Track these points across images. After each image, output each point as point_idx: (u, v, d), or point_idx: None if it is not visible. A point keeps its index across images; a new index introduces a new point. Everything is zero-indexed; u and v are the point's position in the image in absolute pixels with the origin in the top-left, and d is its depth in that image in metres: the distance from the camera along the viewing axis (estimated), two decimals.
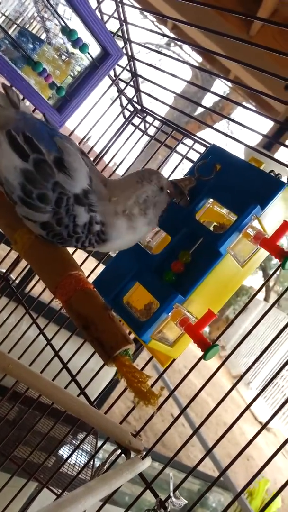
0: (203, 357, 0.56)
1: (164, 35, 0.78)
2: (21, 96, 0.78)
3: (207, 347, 0.55)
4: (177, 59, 0.84)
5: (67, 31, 0.69)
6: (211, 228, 0.64)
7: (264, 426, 0.65)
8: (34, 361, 0.80)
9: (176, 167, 0.80)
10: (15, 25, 0.68)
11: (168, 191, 0.58)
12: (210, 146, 0.65)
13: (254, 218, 0.57)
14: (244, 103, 0.81)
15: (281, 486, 0.57)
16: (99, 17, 0.75)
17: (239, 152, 0.80)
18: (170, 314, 0.58)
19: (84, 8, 0.69)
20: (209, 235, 0.58)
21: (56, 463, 1.69)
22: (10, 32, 0.67)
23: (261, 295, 7.02)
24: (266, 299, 6.93)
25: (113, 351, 0.46)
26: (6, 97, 0.57)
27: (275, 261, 0.59)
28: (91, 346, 0.86)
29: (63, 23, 0.69)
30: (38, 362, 0.81)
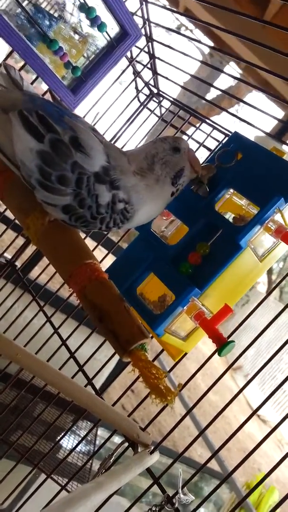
0: (218, 353, 0.54)
1: (184, 14, 0.75)
2: (24, 75, 0.76)
3: (223, 343, 0.53)
4: (196, 40, 0.81)
5: (86, 8, 0.66)
6: (230, 220, 0.62)
7: (255, 411, 0.65)
8: (40, 349, 0.78)
9: None
10: (27, 1, 0.65)
11: (188, 157, 0.56)
12: (232, 133, 0.62)
13: (277, 211, 0.55)
14: (255, 91, 0.78)
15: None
16: None
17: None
18: (185, 307, 0.56)
19: None
20: (229, 227, 0.56)
21: (55, 449, 1.69)
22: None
23: (263, 287, 7.00)
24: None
25: (129, 345, 0.44)
26: (8, 78, 0.55)
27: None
28: (96, 335, 0.86)
29: (82, 0, 0.66)
30: (44, 349, 0.79)
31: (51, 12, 0.69)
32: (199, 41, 0.82)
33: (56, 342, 0.81)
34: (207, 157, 0.76)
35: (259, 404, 0.66)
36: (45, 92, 0.71)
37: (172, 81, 0.80)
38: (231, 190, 0.60)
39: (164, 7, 0.71)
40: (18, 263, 0.99)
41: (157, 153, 0.54)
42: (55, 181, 0.47)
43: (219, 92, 0.83)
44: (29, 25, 0.65)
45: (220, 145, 0.63)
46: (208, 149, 0.78)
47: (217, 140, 0.78)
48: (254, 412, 0.64)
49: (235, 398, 0.65)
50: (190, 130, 0.82)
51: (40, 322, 0.83)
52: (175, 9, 0.72)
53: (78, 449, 1.67)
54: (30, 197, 0.53)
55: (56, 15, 0.69)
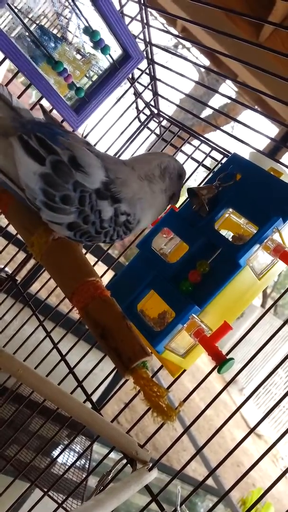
0: (218, 370, 0.55)
1: (185, 38, 0.77)
2: (25, 92, 0.77)
3: (222, 360, 0.54)
4: (197, 64, 0.83)
5: (90, 32, 0.68)
6: (229, 238, 0.63)
7: (252, 430, 0.65)
8: (40, 364, 0.78)
9: (191, 174, 0.79)
10: (31, 22, 0.67)
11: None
12: (231, 155, 0.64)
13: (275, 230, 0.56)
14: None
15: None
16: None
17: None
18: (185, 325, 0.57)
19: (108, 8, 0.67)
20: (229, 246, 0.57)
21: (52, 465, 1.67)
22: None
23: (258, 301, 7.01)
24: (263, 305, 6.92)
25: (131, 363, 0.45)
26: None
27: None
28: (94, 349, 0.86)
29: (86, 23, 0.68)
30: (42, 364, 0.79)
31: (55, 33, 0.71)
32: (201, 66, 0.84)
33: (54, 356, 0.81)
34: (206, 176, 0.77)
35: (257, 423, 0.66)
36: (51, 109, 0.72)
37: (173, 103, 0.82)
38: (230, 210, 0.61)
39: (167, 31, 0.73)
40: (18, 278, 1.00)
41: (168, 167, 0.58)
42: (59, 201, 0.49)
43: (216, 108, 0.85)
44: (35, 46, 0.67)
45: (219, 165, 0.64)
46: (207, 168, 0.80)
47: (216, 160, 0.79)
48: (251, 430, 0.64)
49: (232, 417, 0.65)
50: (187, 147, 0.84)
51: (39, 337, 0.83)
52: (176, 34, 0.74)
53: (72, 462, 1.65)
54: (34, 216, 0.55)
55: (60, 36, 0.71)
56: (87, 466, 1.61)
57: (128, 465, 0.66)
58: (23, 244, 0.89)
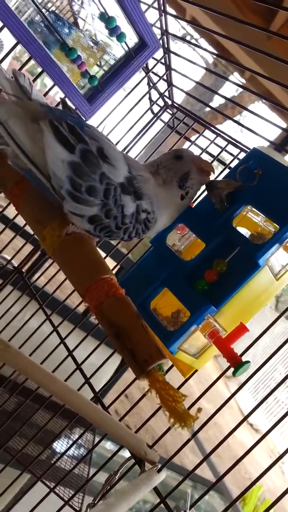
0: (233, 373, 0.53)
1: (201, 26, 0.74)
2: (33, 82, 0.75)
3: (238, 363, 0.52)
4: (209, 51, 0.81)
5: (106, 18, 0.66)
6: (247, 236, 0.61)
7: (246, 417, 0.64)
8: (47, 358, 0.77)
9: None
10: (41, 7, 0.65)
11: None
12: (251, 149, 0.62)
13: None
14: (257, 102, 0.78)
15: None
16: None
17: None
18: (200, 325, 0.55)
19: None
20: (247, 245, 0.55)
21: (50, 456, 1.67)
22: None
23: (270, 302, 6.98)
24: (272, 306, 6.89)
25: (147, 365, 0.43)
26: (17, 85, 0.54)
27: None
28: (98, 342, 0.84)
29: (102, 9, 0.65)
30: (48, 358, 0.78)
31: (70, 20, 0.69)
32: (214, 53, 0.81)
33: (60, 349, 0.80)
34: (221, 171, 0.75)
35: (250, 410, 0.65)
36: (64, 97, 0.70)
37: (189, 94, 0.80)
38: (249, 207, 0.59)
39: (183, 19, 0.71)
40: (24, 270, 0.98)
41: (161, 162, 0.57)
42: (84, 192, 0.47)
43: (222, 101, 0.83)
44: (48, 32, 0.65)
45: (239, 161, 0.62)
46: (223, 162, 0.77)
47: (231, 154, 0.77)
48: (245, 418, 0.63)
49: (225, 404, 0.63)
50: (202, 140, 0.81)
51: (44, 329, 0.81)
52: (193, 22, 0.71)
53: (74, 455, 1.65)
54: (47, 208, 0.53)
55: (74, 23, 0.68)
56: (88, 458, 1.60)
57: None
58: (30, 236, 0.87)
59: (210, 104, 0.83)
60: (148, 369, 0.43)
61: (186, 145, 0.82)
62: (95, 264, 0.50)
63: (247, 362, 0.52)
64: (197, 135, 0.82)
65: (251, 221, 0.62)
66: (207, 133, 0.81)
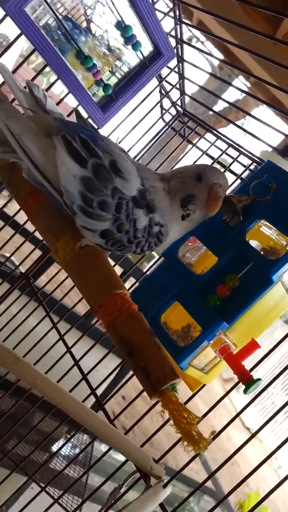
0: (244, 391, 0.52)
1: (220, 38, 0.74)
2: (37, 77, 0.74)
3: (249, 381, 0.52)
4: (222, 60, 0.80)
5: (122, 27, 0.65)
6: (258, 249, 0.61)
7: (253, 435, 0.64)
8: (52, 367, 0.77)
9: None
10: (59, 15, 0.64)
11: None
12: (265, 162, 0.61)
13: None
14: (261, 106, 0.78)
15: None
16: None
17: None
18: (211, 341, 0.55)
19: (143, 2, 0.64)
20: (261, 260, 0.55)
21: (48, 459, 1.66)
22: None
23: None
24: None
25: (161, 385, 0.42)
26: (31, 97, 0.53)
27: None
28: (99, 346, 0.84)
29: (119, 17, 0.64)
30: (50, 362, 0.78)
31: (83, 25, 0.68)
32: (225, 62, 0.81)
33: (61, 353, 0.79)
34: (232, 182, 0.75)
35: (258, 428, 0.64)
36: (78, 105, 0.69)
37: (199, 102, 0.80)
38: (263, 221, 0.59)
39: (200, 28, 0.70)
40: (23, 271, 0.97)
41: (181, 172, 0.53)
42: (96, 207, 0.47)
43: (226, 105, 0.83)
44: (65, 40, 0.64)
45: (252, 174, 0.61)
46: (234, 173, 0.77)
47: (243, 165, 0.77)
48: (253, 436, 0.63)
49: (232, 422, 0.63)
50: (213, 150, 0.81)
51: (52, 338, 0.81)
52: (207, 31, 0.71)
53: (73, 458, 1.64)
54: (61, 220, 0.52)
55: (87, 27, 0.68)
56: (88, 463, 1.59)
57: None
58: (39, 242, 0.87)
59: (216, 106, 0.82)
60: (161, 388, 0.43)
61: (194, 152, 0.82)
62: (108, 279, 0.49)
63: (259, 380, 0.52)
64: (205, 140, 0.82)
65: (263, 234, 0.61)
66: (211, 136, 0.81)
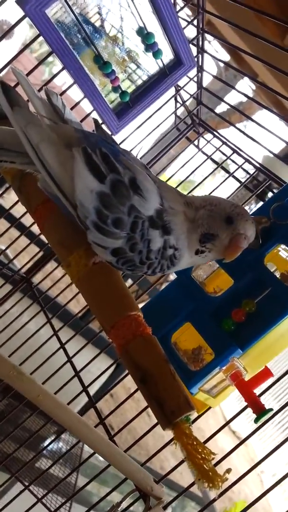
0: (255, 420, 0.51)
1: (236, 47, 0.72)
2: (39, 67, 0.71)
3: (261, 411, 0.50)
4: (240, 71, 0.79)
5: (144, 33, 0.63)
6: (275, 273, 0.59)
7: (256, 465, 0.60)
8: (52, 376, 0.75)
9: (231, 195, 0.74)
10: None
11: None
12: (286, 185, 0.60)
13: None
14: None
15: None
16: None
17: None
18: (223, 367, 0.53)
19: (167, 9, 0.62)
20: (279, 286, 0.53)
21: (36, 459, 1.64)
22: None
23: None
24: None
25: (175, 417, 0.41)
26: (49, 105, 0.51)
27: None
28: (92, 346, 0.82)
29: (141, 23, 0.62)
30: (49, 368, 0.76)
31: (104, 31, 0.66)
32: (237, 70, 0.79)
33: (61, 357, 0.78)
34: (238, 190, 0.73)
35: (261, 459, 0.62)
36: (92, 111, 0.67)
37: (218, 115, 0.78)
38: (283, 246, 0.57)
39: (223, 39, 0.68)
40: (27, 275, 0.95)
41: (213, 205, 0.50)
42: (110, 224, 0.44)
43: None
44: (84, 44, 0.62)
45: (272, 196, 0.59)
46: (250, 190, 0.75)
47: (247, 172, 0.75)
48: (256, 465, 0.60)
49: (237, 447, 0.61)
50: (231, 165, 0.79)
51: (51, 339, 0.79)
52: (232, 45, 0.69)
53: (60, 460, 1.62)
54: (74, 233, 0.50)
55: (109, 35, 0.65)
56: (77, 465, 1.58)
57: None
58: (44, 245, 0.85)
59: (220, 106, 0.81)
60: (175, 420, 0.41)
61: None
62: (122, 299, 0.48)
63: (270, 410, 0.50)
64: (211, 145, 0.81)
65: (281, 259, 0.60)
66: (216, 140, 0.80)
